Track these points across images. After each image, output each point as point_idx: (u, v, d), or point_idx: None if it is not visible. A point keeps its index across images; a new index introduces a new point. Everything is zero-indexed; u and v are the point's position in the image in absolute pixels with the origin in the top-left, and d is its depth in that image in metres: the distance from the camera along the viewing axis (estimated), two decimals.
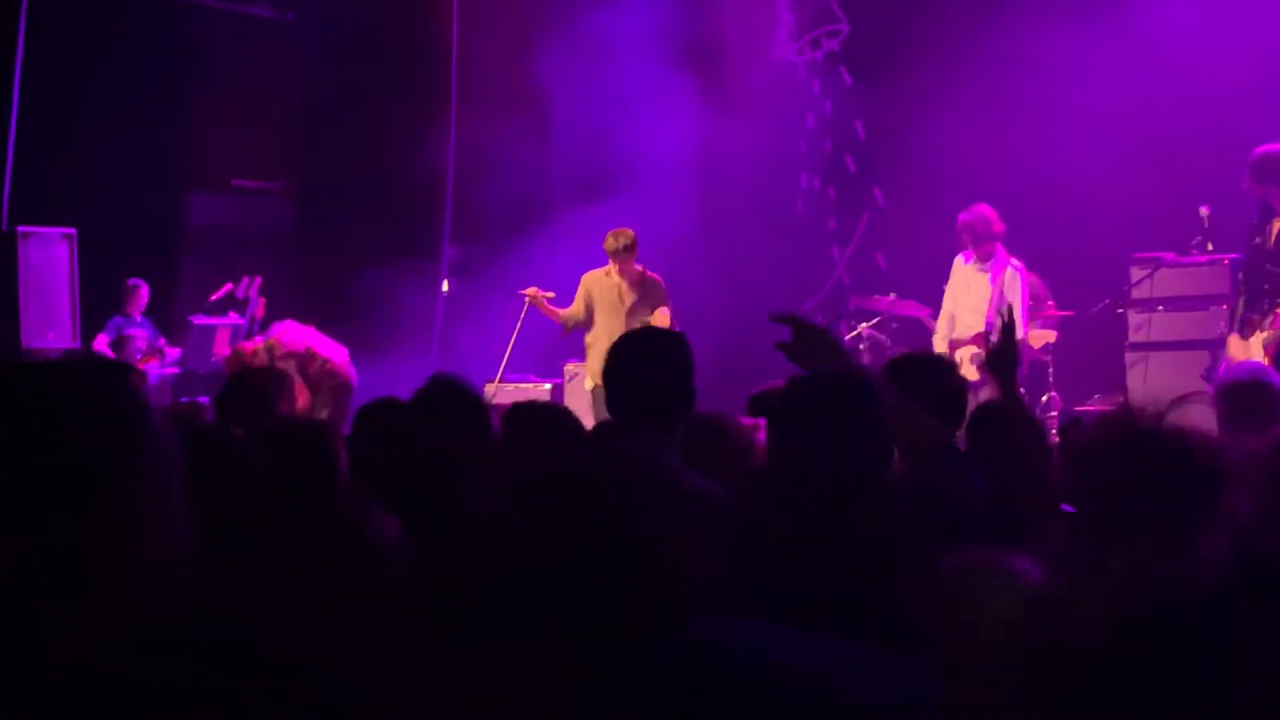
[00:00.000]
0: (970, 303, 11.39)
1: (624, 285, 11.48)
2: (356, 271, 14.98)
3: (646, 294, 11.56)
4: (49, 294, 14.15)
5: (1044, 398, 12.22)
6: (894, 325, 12.92)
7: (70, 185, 14.55)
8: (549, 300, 11.77)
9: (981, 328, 11.07)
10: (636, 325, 11.06)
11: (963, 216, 11.24)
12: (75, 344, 14.34)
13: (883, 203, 15.07)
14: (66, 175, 14.58)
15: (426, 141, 15.66)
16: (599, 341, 11.42)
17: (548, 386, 13.85)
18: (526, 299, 11.72)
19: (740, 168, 14.74)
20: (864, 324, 13.07)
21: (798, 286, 14.98)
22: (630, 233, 11.44)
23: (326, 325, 13.01)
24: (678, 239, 14.17)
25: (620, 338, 4.59)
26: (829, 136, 15.10)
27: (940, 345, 11.48)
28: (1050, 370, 12.42)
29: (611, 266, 11.44)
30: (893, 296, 12.98)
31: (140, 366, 14.27)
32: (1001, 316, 5.23)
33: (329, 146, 15.86)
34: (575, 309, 11.73)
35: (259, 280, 14.62)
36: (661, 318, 11.57)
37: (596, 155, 14.54)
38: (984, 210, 11.28)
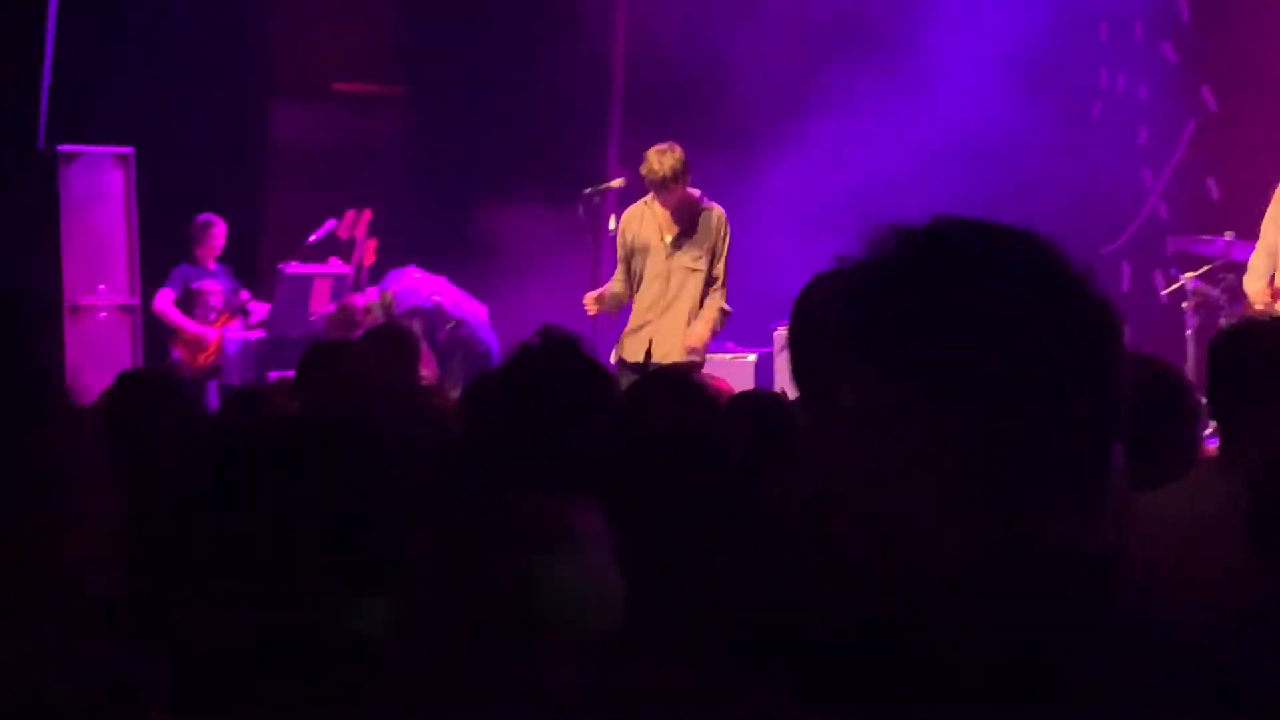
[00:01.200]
0: None
1: (665, 218, 9.71)
2: (495, 204, 13.20)
3: (696, 231, 9.73)
4: (100, 233, 12.73)
5: None
6: (1229, 276, 10.80)
7: (127, 95, 12.94)
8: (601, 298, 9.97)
9: None
10: (681, 275, 9.67)
11: None
12: (133, 299, 12.80)
13: (1214, 107, 12.73)
14: (122, 82, 12.95)
15: (584, 27, 13.66)
16: (640, 294, 9.86)
17: (751, 358, 11.92)
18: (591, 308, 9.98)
19: (1018, 58, 12.44)
20: (1188, 274, 10.78)
21: (1095, 221, 12.38)
22: (679, 152, 9.54)
23: (458, 274, 12.03)
24: (932, 149, 12.20)
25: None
26: (1139, 18, 12.91)
27: (1254, 285, 9.65)
28: None
29: (651, 196, 9.71)
30: (1229, 236, 10.80)
31: (214, 330, 12.69)
32: None
33: (457, 40, 13.95)
34: (615, 278, 9.97)
35: (368, 215, 12.68)
36: (710, 310, 9.71)
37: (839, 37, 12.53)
38: None
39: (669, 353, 9.54)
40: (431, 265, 12.30)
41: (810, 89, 12.70)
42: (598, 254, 10.88)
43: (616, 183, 10.65)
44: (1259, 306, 9.28)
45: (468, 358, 12.17)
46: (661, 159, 9.50)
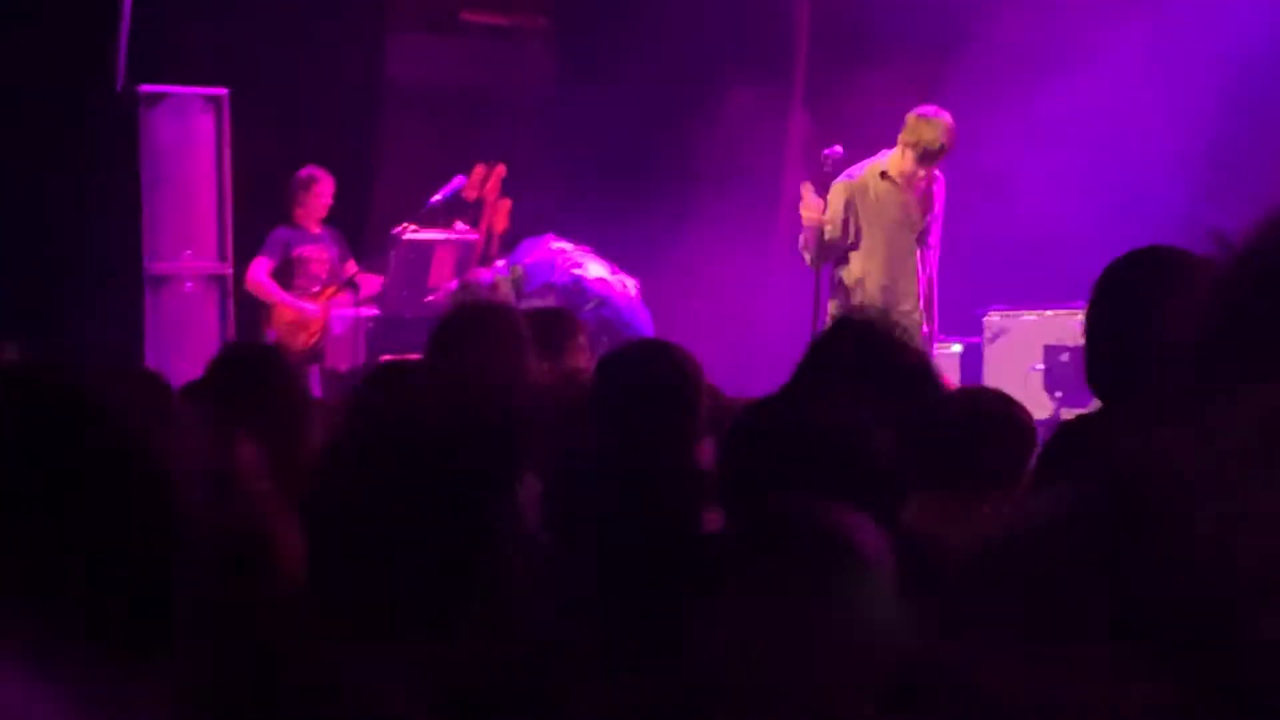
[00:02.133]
0: None
1: (911, 199, 9.61)
2: (655, 161, 12.40)
3: (931, 216, 9.79)
4: (186, 188, 12.08)
5: None
6: None
7: (219, 28, 12.38)
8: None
9: None
10: (918, 261, 9.70)
11: None
12: (223, 268, 12.12)
13: None
14: (215, 13, 12.34)
15: None
16: (871, 274, 9.65)
17: (956, 348, 11.40)
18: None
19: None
20: None
21: None
22: (948, 120, 9.47)
23: (613, 245, 11.33)
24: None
25: None
26: None
27: None
28: None
29: (904, 161, 9.51)
30: None
31: (317, 306, 11.98)
32: None
33: None
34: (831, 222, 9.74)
35: (501, 172, 11.94)
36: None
37: None
38: None
39: None
40: (575, 234, 11.49)
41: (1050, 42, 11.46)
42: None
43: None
44: None
45: (613, 343, 11.13)
46: (934, 127, 9.38)
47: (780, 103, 12.57)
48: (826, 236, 9.56)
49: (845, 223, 9.53)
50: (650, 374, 4.17)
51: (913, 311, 9.36)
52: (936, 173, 9.57)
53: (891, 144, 9.51)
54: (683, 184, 12.12)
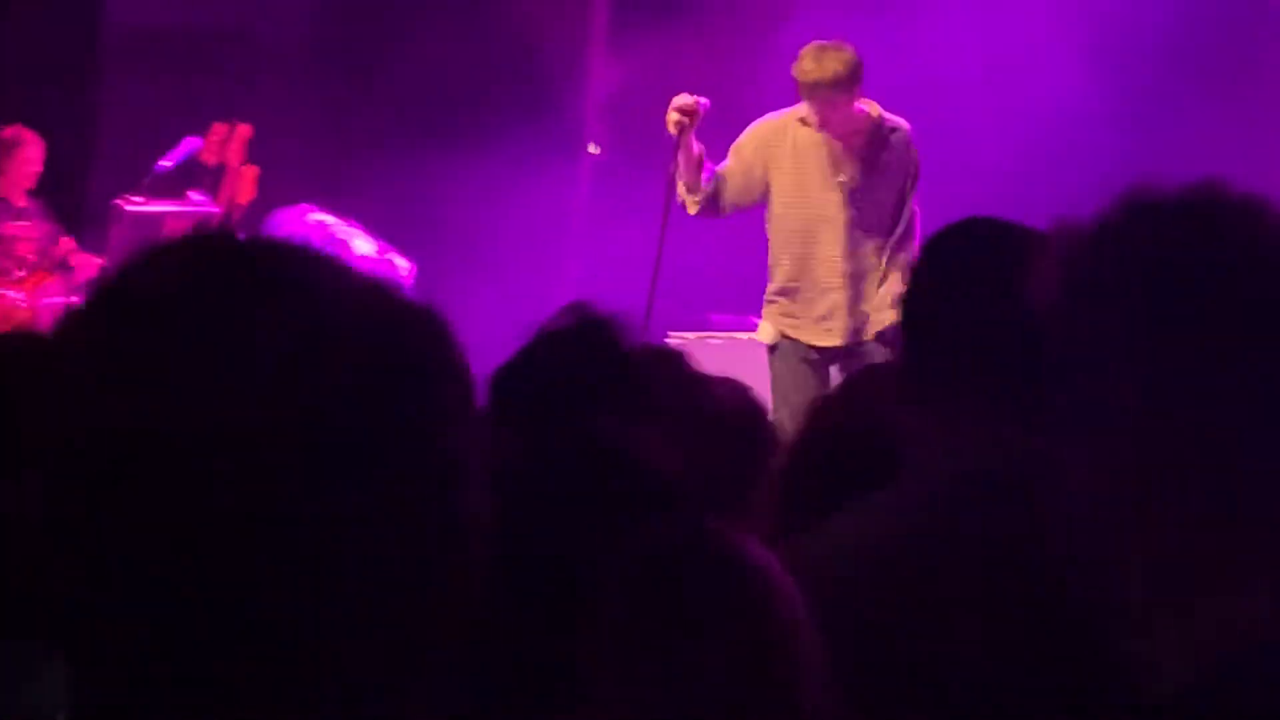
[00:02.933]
0: None
1: (836, 147, 8.32)
2: (442, 116, 11.42)
3: (887, 169, 8.40)
4: None
5: None
6: None
7: None
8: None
9: None
10: (860, 232, 8.32)
11: None
12: None
13: None
14: None
15: None
16: (789, 252, 8.53)
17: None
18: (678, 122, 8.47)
19: None
20: None
21: None
22: (850, 53, 8.26)
23: (373, 217, 10.28)
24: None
25: None
26: None
27: None
28: None
29: (809, 110, 8.32)
30: None
31: (23, 293, 11.31)
32: None
33: None
34: (727, 171, 8.59)
35: (246, 132, 10.92)
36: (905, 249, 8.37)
37: None
38: None
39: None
40: (336, 205, 10.39)
41: None
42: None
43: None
44: None
45: None
46: (821, 58, 8.12)
47: (579, 49, 11.47)
48: (727, 193, 8.36)
49: (753, 174, 8.34)
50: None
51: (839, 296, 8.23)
52: (899, 128, 8.31)
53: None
54: (467, 146, 11.06)
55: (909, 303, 2.99)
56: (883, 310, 8.03)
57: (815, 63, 8.17)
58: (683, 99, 8.34)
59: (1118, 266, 1.55)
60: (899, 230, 8.18)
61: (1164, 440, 1.52)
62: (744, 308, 9.65)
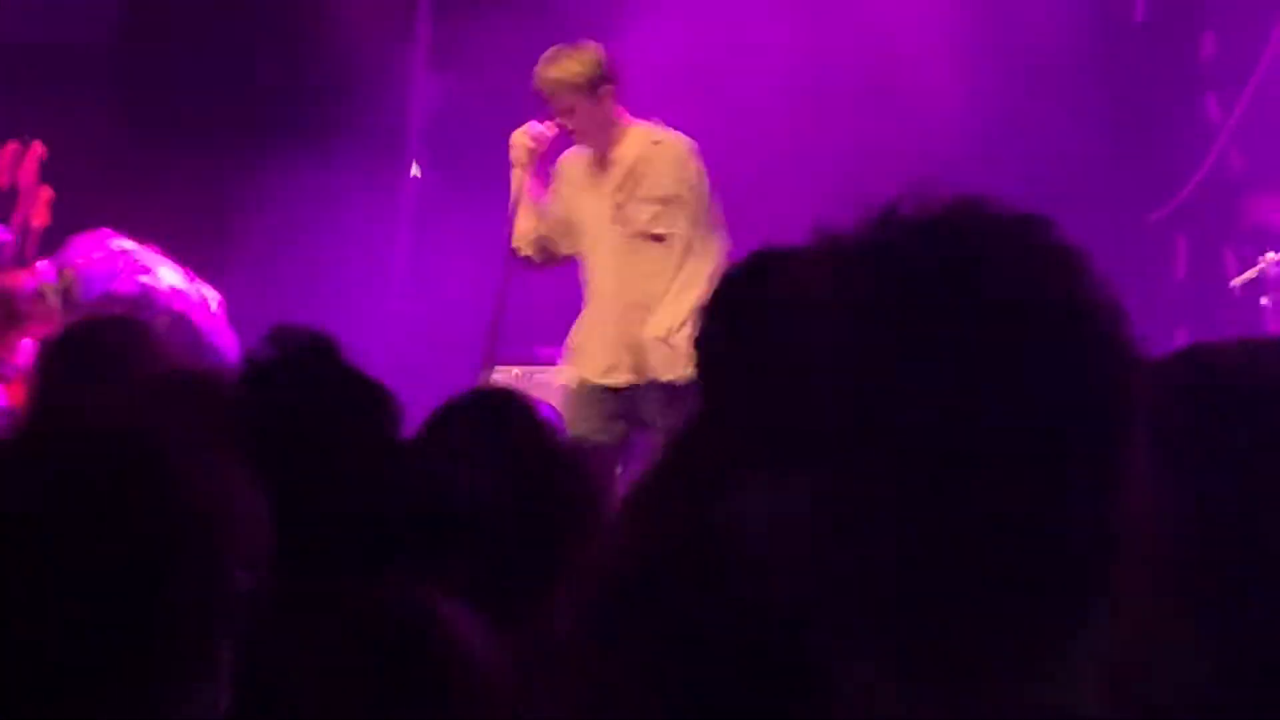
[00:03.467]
0: None
1: (603, 166, 7.55)
2: (260, 135, 10.35)
3: (652, 177, 7.47)
4: None
5: None
6: None
7: None
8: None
9: None
10: (635, 258, 7.50)
11: None
12: None
13: None
14: None
15: None
16: (586, 283, 7.76)
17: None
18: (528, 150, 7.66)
19: None
20: (1270, 254, 8.30)
21: (1137, 174, 9.60)
22: (593, 53, 7.49)
23: (176, 243, 8.88)
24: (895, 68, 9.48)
25: None
26: None
27: None
28: None
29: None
30: None
31: None
32: None
33: None
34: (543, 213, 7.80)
35: (39, 150, 10.10)
36: (695, 275, 7.33)
37: None
38: None
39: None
40: (137, 231, 9.13)
41: None
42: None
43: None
44: None
45: (190, 366, 9.22)
46: (558, 62, 7.42)
47: (401, 60, 10.56)
48: (558, 236, 7.70)
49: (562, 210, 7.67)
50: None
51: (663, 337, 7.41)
52: (669, 140, 7.57)
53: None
54: (278, 167, 10.14)
55: (699, 348, 2.76)
56: (658, 349, 7.33)
57: (551, 64, 7.54)
58: (535, 126, 7.65)
59: (878, 286, 1.41)
60: (683, 256, 7.46)
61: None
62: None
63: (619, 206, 7.57)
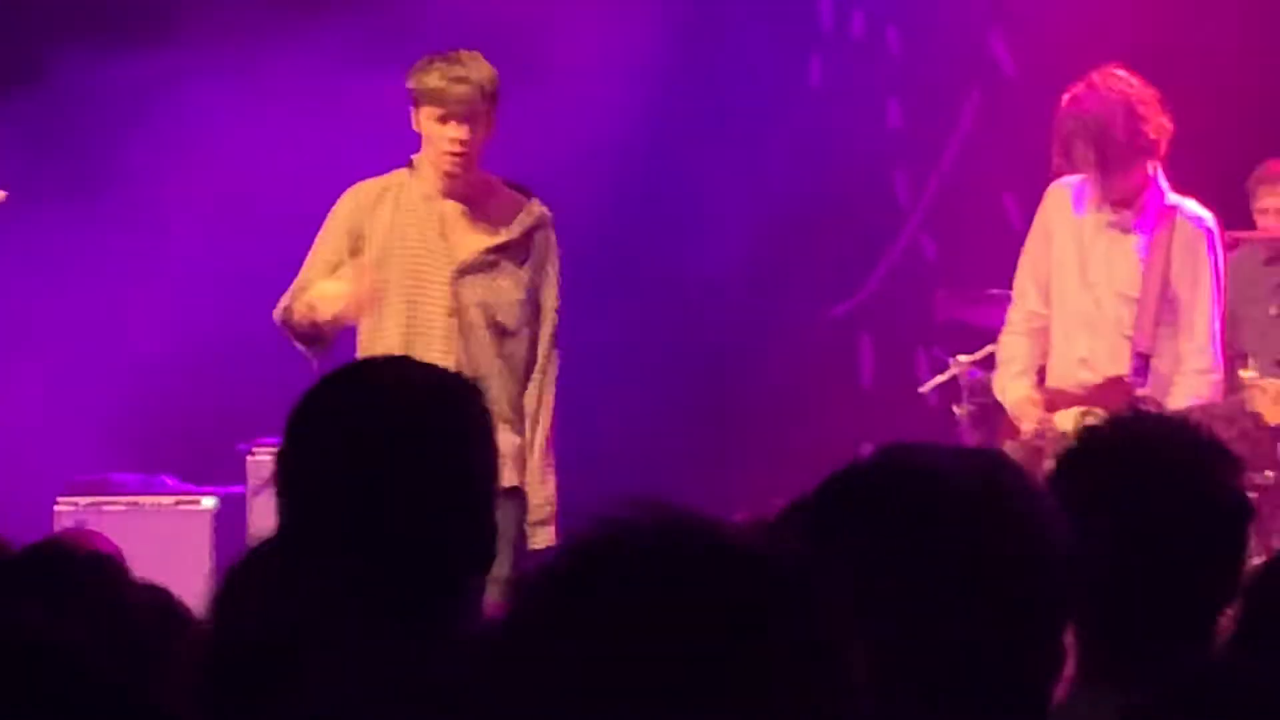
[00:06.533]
0: (1093, 301, 6.75)
1: (449, 209, 6.10)
2: None
3: (515, 238, 6.17)
4: None
5: None
6: None
7: None
8: None
9: (1122, 365, 6.74)
10: (480, 312, 6.05)
11: (1079, 99, 6.50)
12: None
13: (1009, 67, 8.85)
14: None
15: None
16: (387, 341, 6.12)
17: (209, 502, 8.16)
18: None
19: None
20: (963, 357, 7.47)
21: (816, 261, 8.76)
22: (485, 66, 6.01)
23: None
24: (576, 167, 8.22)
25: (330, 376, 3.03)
26: None
27: (1013, 392, 6.78)
28: None
29: (428, 157, 6.05)
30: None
31: None
32: None
33: None
34: (329, 278, 6.10)
35: None
36: (537, 346, 6.20)
37: None
38: (1131, 92, 6.47)
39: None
40: None
41: None
42: None
43: None
44: (1024, 426, 6.66)
45: None
46: (451, 71, 5.93)
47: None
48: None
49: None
50: None
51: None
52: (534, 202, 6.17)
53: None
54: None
55: (279, 460, 2.88)
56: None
57: (442, 75, 5.99)
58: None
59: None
60: (543, 356, 6.11)
61: None
62: (151, 463, 7.75)
63: (471, 270, 6.21)
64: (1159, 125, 6.40)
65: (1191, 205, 6.59)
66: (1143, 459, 2.95)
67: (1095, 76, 6.48)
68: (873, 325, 8.71)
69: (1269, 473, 6.97)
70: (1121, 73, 6.49)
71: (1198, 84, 6.81)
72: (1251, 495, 6.78)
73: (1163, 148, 6.45)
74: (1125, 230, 6.53)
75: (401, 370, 3.15)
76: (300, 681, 2.60)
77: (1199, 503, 2.92)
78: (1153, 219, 6.54)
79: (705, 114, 8.68)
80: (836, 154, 8.51)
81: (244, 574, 3.02)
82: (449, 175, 5.92)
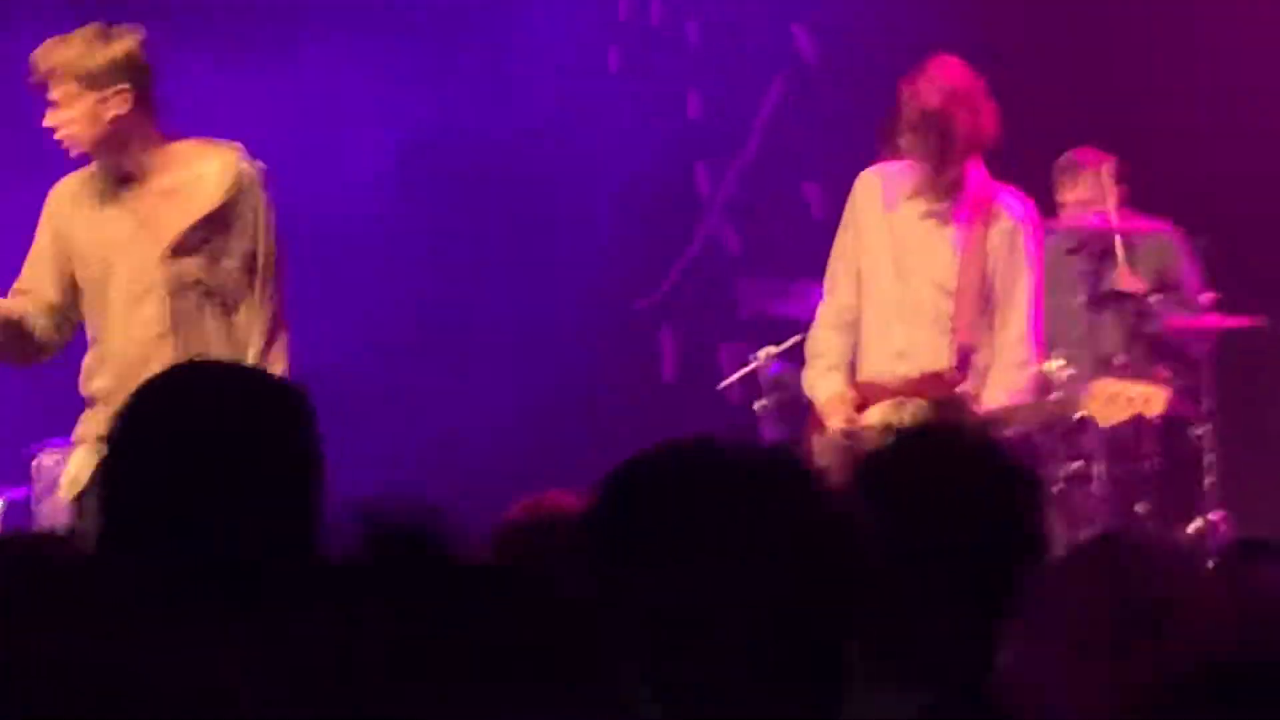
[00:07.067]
0: (910, 292, 6.60)
1: (143, 198, 5.60)
2: None
3: (221, 216, 5.62)
4: None
5: (1196, 522, 7.73)
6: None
7: None
8: None
9: (940, 358, 6.56)
10: (192, 304, 5.59)
11: (920, 92, 6.34)
12: None
13: (811, 55, 8.69)
14: None
15: None
16: (104, 357, 5.72)
17: None
18: None
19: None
20: (767, 350, 7.34)
21: (617, 257, 8.54)
22: (131, 38, 5.54)
23: None
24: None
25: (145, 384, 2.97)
26: None
27: (824, 389, 6.56)
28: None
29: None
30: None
31: None
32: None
33: None
34: (30, 285, 5.74)
35: None
36: (255, 317, 5.68)
37: None
38: (970, 84, 6.37)
39: None
40: None
41: None
42: None
43: None
44: (832, 423, 6.45)
45: None
46: (69, 47, 5.48)
47: None
48: None
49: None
50: None
51: None
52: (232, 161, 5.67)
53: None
54: None
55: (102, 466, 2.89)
56: None
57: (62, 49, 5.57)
58: None
59: None
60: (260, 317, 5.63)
61: None
62: None
63: (179, 252, 5.76)
64: (991, 117, 6.33)
65: (1009, 195, 6.52)
66: (937, 481, 2.87)
67: (933, 68, 6.38)
68: (675, 319, 8.57)
69: (1073, 465, 6.99)
70: (956, 64, 6.40)
71: (993, 78, 6.74)
72: (1058, 487, 6.89)
73: (992, 140, 6.39)
74: (944, 221, 6.42)
75: (224, 374, 3.22)
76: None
77: (992, 530, 2.84)
78: (970, 209, 6.46)
79: (500, 105, 8.46)
80: (636, 145, 8.37)
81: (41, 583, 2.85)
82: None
